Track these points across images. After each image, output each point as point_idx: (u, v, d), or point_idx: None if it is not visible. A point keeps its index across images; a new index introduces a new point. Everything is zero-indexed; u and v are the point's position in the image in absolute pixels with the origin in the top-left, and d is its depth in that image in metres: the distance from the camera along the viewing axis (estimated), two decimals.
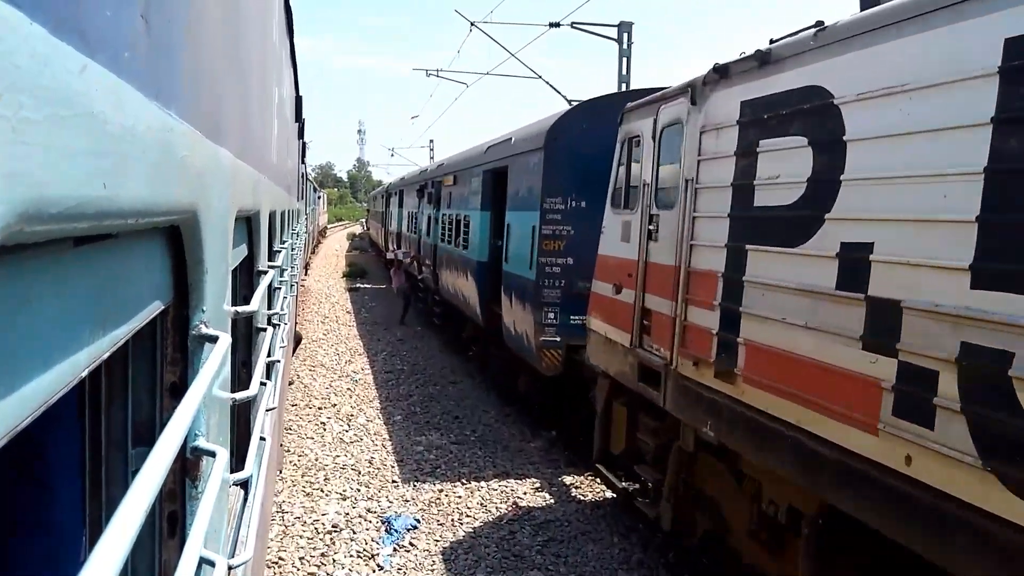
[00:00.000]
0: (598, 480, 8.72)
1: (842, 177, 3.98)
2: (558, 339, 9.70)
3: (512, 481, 9.27)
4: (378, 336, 19.14)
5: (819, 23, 4.48)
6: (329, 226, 79.63)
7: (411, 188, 24.30)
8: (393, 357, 16.51)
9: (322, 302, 25.00)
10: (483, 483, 9.19)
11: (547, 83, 18.18)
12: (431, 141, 53.82)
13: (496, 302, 12.24)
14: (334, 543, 7.40)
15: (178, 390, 1.84)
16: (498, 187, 12.45)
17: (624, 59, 18.16)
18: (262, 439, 3.41)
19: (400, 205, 27.78)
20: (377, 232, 41.40)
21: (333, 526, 7.77)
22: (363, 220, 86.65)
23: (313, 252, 47.57)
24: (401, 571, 6.93)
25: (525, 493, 8.91)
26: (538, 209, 9.93)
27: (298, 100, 11.36)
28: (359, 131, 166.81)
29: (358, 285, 30.38)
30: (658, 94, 6.75)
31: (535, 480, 9.29)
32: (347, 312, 23.22)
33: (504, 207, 11.99)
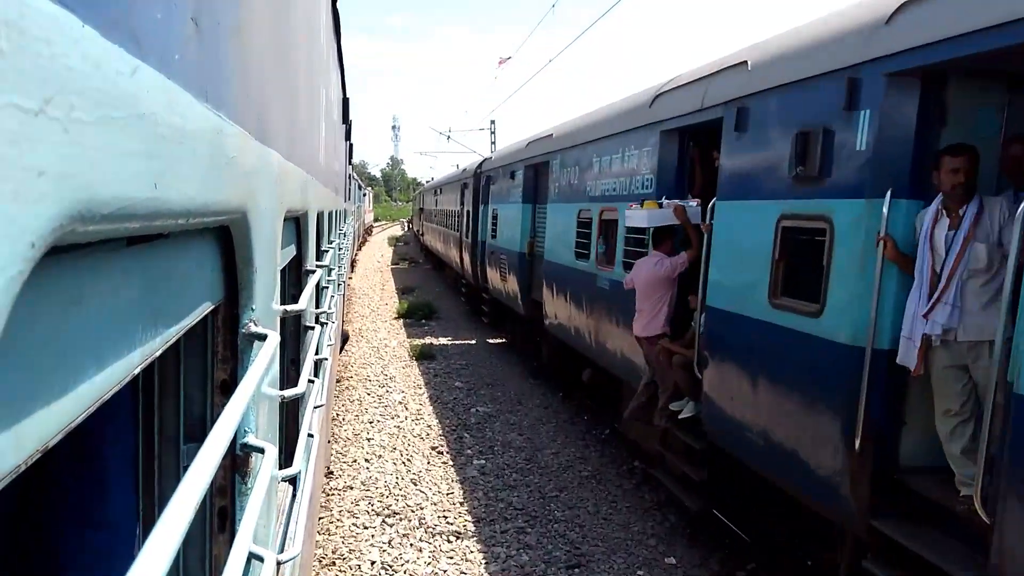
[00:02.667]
0: None
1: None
2: None
3: None
4: None
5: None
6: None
7: (582, 152, 9.85)
8: None
9: (365, 410, 11.02)
10: None
11: None
12: (492, 123, 42.46)
13: None
14: None
15: (228, 387, 1.87)
16: None
17: None
18: (310, 436, 3.45)
19: (531, 198, 12.81)
20: (445, 245, 25.12)
21: None
22: (406, 220, 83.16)
23: (359, 249, 42.65)
24: None
25: None
26: None
27: (345, 102, 11.51)
28: (393, 127, 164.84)
29: (429, 340, 16.11)
30: None
31: None
32: (436, 454, 9.26)
33: None
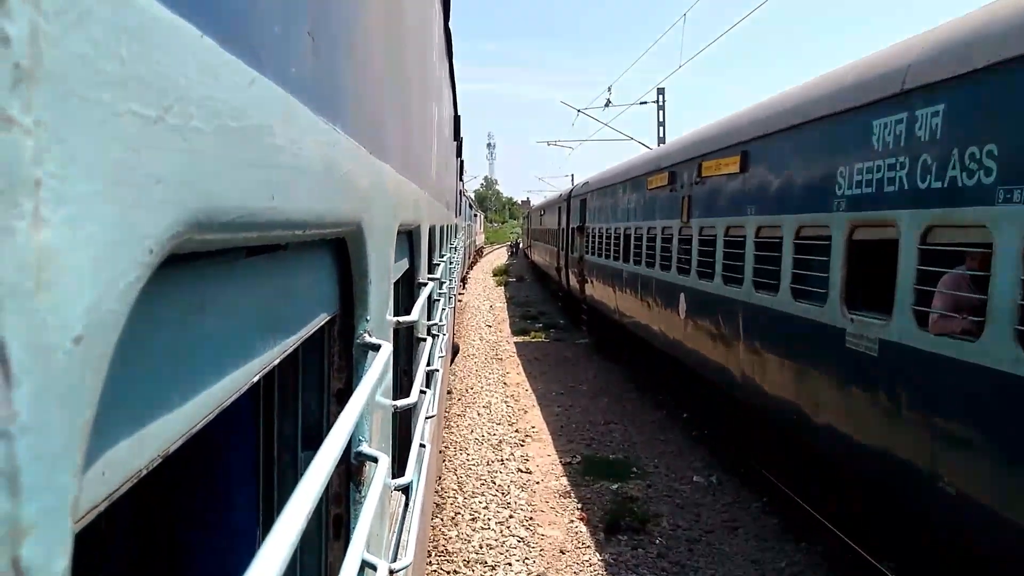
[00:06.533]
0: None
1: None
2: None
3: None
4: None
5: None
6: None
7: None
8: None
9: None
10: None
11: None
12: (660, 93, 29.00)
13: None
14: None
15: (344, 396, 1.90)
16: None
17: None
18: (422, 446, 3.50)
19: None
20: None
21: None
22: (511, 245, 75.51)
23: (470, 268, 37.58)
24: None
25: None
26: None
27: (456, 119, 11.77)
28: (488, 145, 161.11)
29: None
30: None
31: None
32: None
33: None
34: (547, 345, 18.86)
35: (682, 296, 10.42)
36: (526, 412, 12.17)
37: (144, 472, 0.73)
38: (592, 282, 18.21)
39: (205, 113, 0.70)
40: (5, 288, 0.40)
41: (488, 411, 12.13)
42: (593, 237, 18.30)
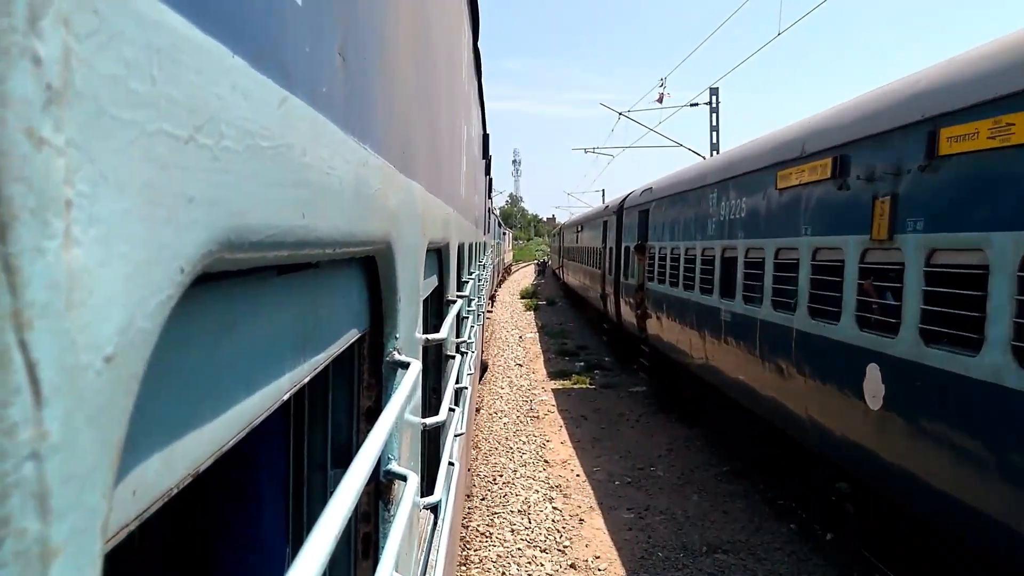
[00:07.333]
0: None
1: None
2: None
3: None
4: None
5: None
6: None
7: None
8: None
9: None
10: None
11: None
12: (714, 93, 25.41)
13: None
14: None
15: (373, 414, 1.90)
16: None
17: None
18: (451, 464, 3.49)
19: None
20: None
21: None
22: (539, 263, 74.63)
23: (498, 286, 37.64)
24: None
25: None
26: None
27: (485, 137, 11.85)
28: (514, 162, 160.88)
29: None
30: None
31: None
32: None
33: None
34: (594, 394, 14.94)
35: (874, 371, 5.97)
36: (582, 521, 8.21)
37: (175, 491, 0.73)
38: (660, 319, 13.66)
39: (236, 132, 0.70)
40: (36, 308, 0.40)
41: (525, 521, 8.10)
42: (661, 260, 13.78)
